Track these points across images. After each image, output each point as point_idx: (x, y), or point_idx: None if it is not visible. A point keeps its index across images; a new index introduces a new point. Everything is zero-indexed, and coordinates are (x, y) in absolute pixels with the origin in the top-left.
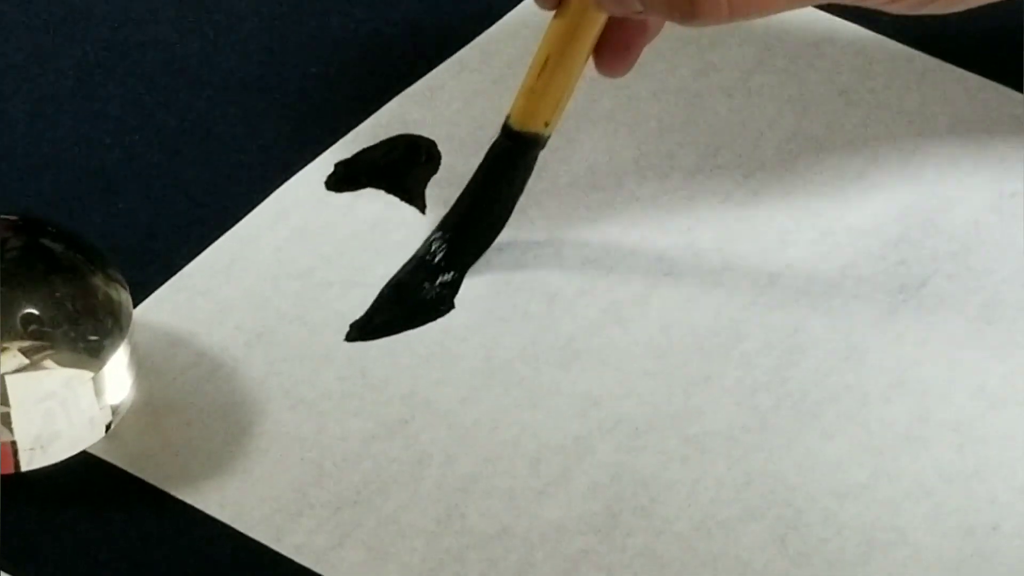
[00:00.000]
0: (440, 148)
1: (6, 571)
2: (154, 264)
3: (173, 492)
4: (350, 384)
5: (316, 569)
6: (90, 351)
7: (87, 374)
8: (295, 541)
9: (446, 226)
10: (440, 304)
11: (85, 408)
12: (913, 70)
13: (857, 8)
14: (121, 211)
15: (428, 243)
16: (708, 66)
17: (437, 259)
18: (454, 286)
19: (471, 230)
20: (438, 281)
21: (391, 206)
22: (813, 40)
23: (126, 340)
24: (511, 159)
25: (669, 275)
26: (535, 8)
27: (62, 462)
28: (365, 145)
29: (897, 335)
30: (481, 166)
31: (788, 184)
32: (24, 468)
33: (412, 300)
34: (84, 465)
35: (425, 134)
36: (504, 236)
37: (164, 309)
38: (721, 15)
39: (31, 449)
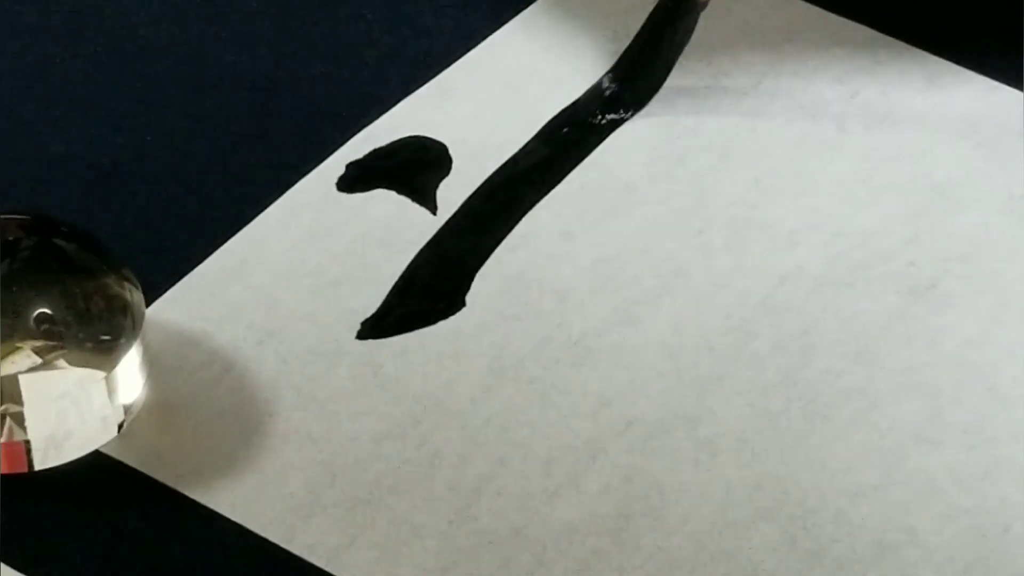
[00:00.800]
0: (451, 150)
1: (18, 570)
2: (166, 264)
3: (185, 491)
4: (361, 383)
5: (328, 568)
6: (103, 351)
7: (100, 374)
8: (307, 540)
9: (617, 69)
10: (604, 131)
11: (97, 407)
12: (924, 72)
13: (867, 8)
14: (133, 211)
15: (598, 83)
16: (719, 70)
17: (608, 94)
18: (610, 127)
19: (640, 73)
20: (612, 115)
21: (402, 206)
22: (824, 43)
23: (138, 340)
24: (672, 16)
25: (680, 275)
26: (547, 9)
27: (74, 461)
28: (376, 146)
29: (907, 336)
30: (647, 22)
31: (798, 185)
32: (37, 467)
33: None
34: (96, 464)
35: (436, 135)
36: (516, 233)
37: (176, 309)
38: None
39: (44, 448)
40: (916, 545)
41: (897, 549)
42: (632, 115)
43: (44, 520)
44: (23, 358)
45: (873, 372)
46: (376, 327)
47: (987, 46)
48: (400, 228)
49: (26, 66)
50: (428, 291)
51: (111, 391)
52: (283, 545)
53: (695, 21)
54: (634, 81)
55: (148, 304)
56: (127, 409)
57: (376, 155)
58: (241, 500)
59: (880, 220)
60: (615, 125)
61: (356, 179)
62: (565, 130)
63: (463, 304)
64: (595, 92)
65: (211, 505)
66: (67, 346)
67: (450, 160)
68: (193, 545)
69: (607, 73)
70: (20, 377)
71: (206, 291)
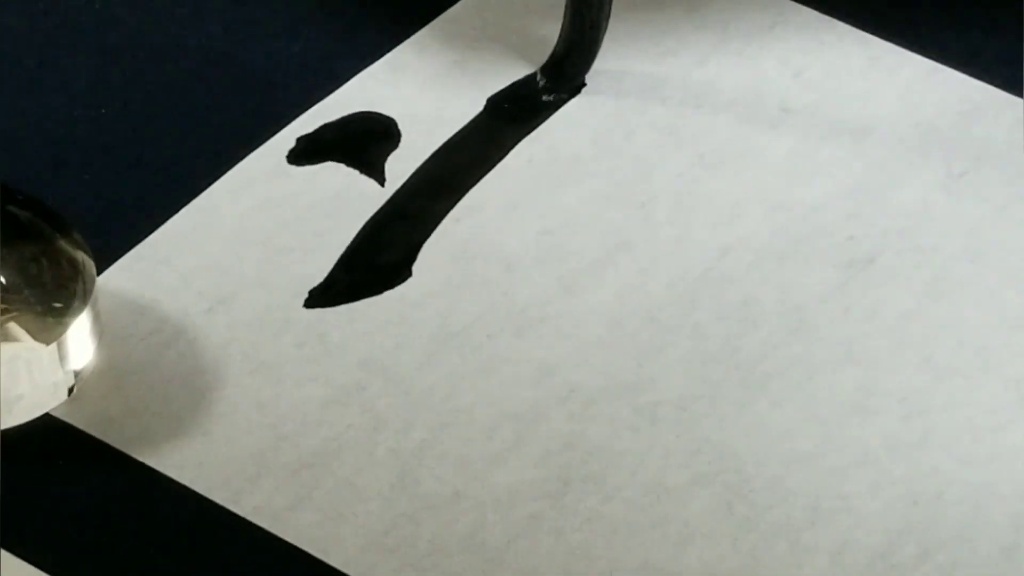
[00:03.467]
0: (400, 126)
1: None
2: (118, 233)
3: (134, 454)
4: (308, 350)
5: (272, 530)
6: (54, 316)
7: (51, 339)
8: (252, 503)
9: (545, 68)
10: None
11: (48, 372)
12: (865, 53)
13: None
14: (87, 182)
15: (532, 75)
16: (666, 51)
17: (551, 68)
18: (556, 105)
19: (574, 46)
20: (556, 92)
21: (351, 178)
22: (768, 23)
23: (89, 306)
24: None
25: (624, 247)
26: None
27: (25, 424)
28: (326, 121)
29: (845, 308)
30: None
31: (742, 161)
32: None
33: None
34: (46, 428)
35: (385, 112)
36: (462, 205)
37: (127, 276)
38: None
39: None
40: (850, 511)
41: (831, 515)
42: (575, 91)
43: None
44: None
45: (811, 343)
46: (324, 296)
47: (928, 28)
48: (349, 199)
49: None
50: (375, 261)
51: (62, 356)
52: (229, 507)
53: None
54: (570, 55)
55: (100, 272)
56: (77, 374)
57: (326, 129)
58: (188, 463)
59: (821, 195)
60: (560, 101)
61: (306, 152)
62: (509, 106)
63: (409, 274)
64: (540, 68)
65: (159, 468)
66: (19, 311)
67: (399, 134)
68: (140, 507)
69: (535, 73)
70: None
71: (157, 259)
